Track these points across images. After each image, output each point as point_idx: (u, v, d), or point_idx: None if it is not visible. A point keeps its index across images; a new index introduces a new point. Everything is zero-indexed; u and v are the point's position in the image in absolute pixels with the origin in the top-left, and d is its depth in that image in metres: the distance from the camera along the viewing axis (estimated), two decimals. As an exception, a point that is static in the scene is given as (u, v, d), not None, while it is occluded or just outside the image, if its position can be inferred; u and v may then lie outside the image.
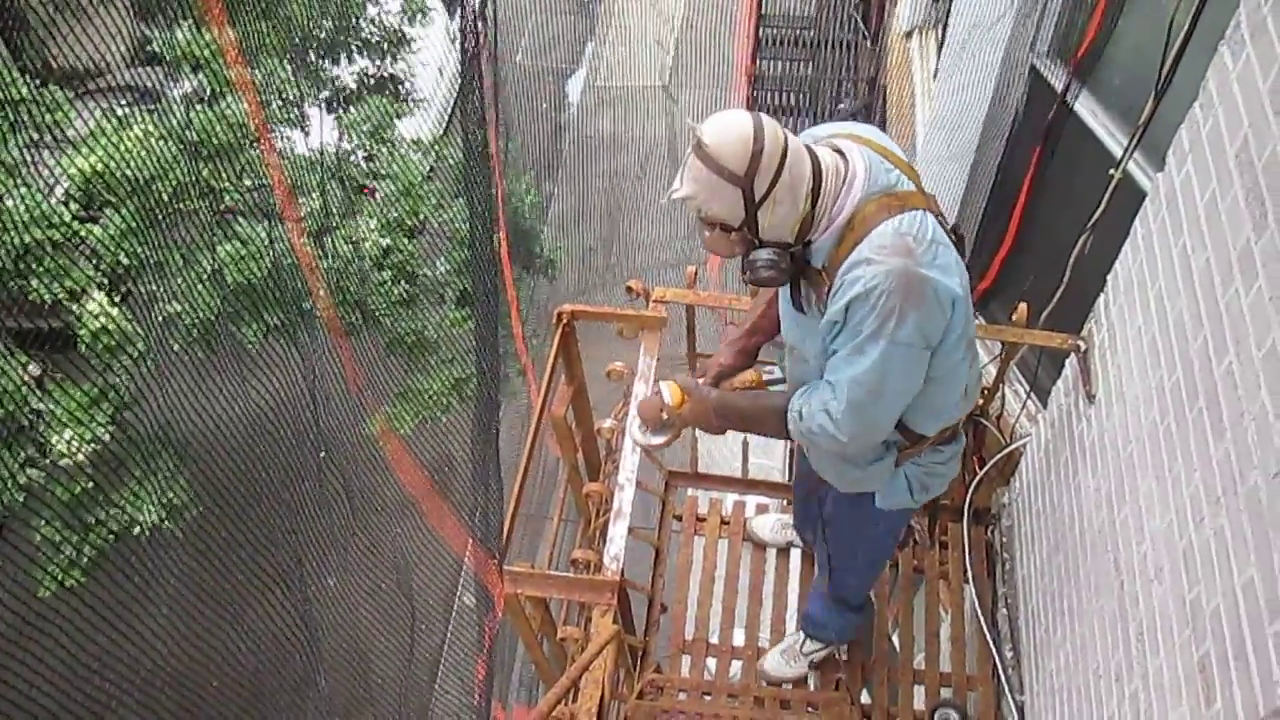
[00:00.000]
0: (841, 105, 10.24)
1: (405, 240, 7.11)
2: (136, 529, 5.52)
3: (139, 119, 5.53)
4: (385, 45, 7.94)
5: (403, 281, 7.11)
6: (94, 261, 5.44)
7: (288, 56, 6.61)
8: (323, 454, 5.68)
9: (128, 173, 5.20)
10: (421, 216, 7.20)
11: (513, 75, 10.69)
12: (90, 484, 5.32)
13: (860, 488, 2.70)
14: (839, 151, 2.25)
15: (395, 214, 7.03)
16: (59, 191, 5.48)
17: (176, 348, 5.68)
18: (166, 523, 5.62)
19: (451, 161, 7.63)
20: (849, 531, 3.07)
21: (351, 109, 7.25)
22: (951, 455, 2.66)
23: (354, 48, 7.67)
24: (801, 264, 2.28)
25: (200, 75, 6.16)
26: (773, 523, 4.07)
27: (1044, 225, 4.46)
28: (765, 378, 2.79)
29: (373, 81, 7.98)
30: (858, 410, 2.24)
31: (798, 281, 2.34)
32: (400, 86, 8.18)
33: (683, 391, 2.59)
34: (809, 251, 2.25)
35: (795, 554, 4.05)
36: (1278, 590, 1.77)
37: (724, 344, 2.78)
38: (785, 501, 4.24)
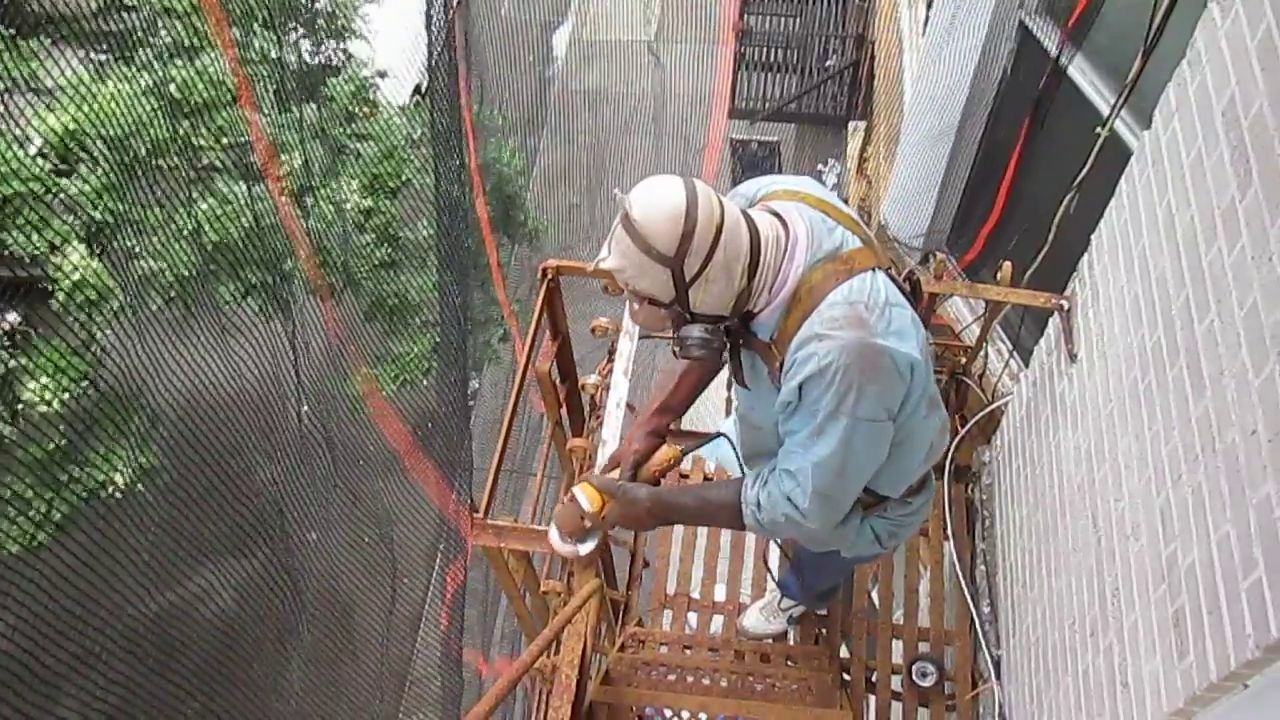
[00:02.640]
0: (829, 62, 10.18)
1: (387, 201, 7.05)
2: (109, 489, 5.48)
3: (115, 71, 5.44)
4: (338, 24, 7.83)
5: (384, 245, 7.06)
6: (68, 219, 5.38)
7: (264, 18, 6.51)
8: (305, 409, 5.67)
9: (103, 130, 5.12)
10: (404, 178, 7.13)
11: (498, 28, 10.55)
12: (64, 440, 5.27)
13: (825, 547, 2.59)
14: (777, 215, 2.07)
15: (377, 171, 6.96)
16: (35, 144, 5.40)
17: (155, 305, 5.63)
18: (139, 485, 5.57)
19: (426, 123, 7.54)
20: (818, 564, 3.08)
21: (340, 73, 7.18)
22: (921, 504, 2.52)
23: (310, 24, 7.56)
24: (743, 337, 2.14)
25: (178, 26, 6.06)
26: None
27: (1029, 184, 4.46)
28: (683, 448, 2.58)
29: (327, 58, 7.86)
30: (825, 495, 2.09)
31: (737, 354, 2.20)
32: (355, 63, 8.03)
33: (601, 494, 2.37)
34: (754, 324, 2.10)
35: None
36: (1252, 546, 1.79)
37: (635, 428, 2.55)
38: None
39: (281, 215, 5.98)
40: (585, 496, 2.38)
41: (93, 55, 5.52)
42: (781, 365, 2.04)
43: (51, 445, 5.27)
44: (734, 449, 2.57)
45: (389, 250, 7.16)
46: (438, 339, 7.49)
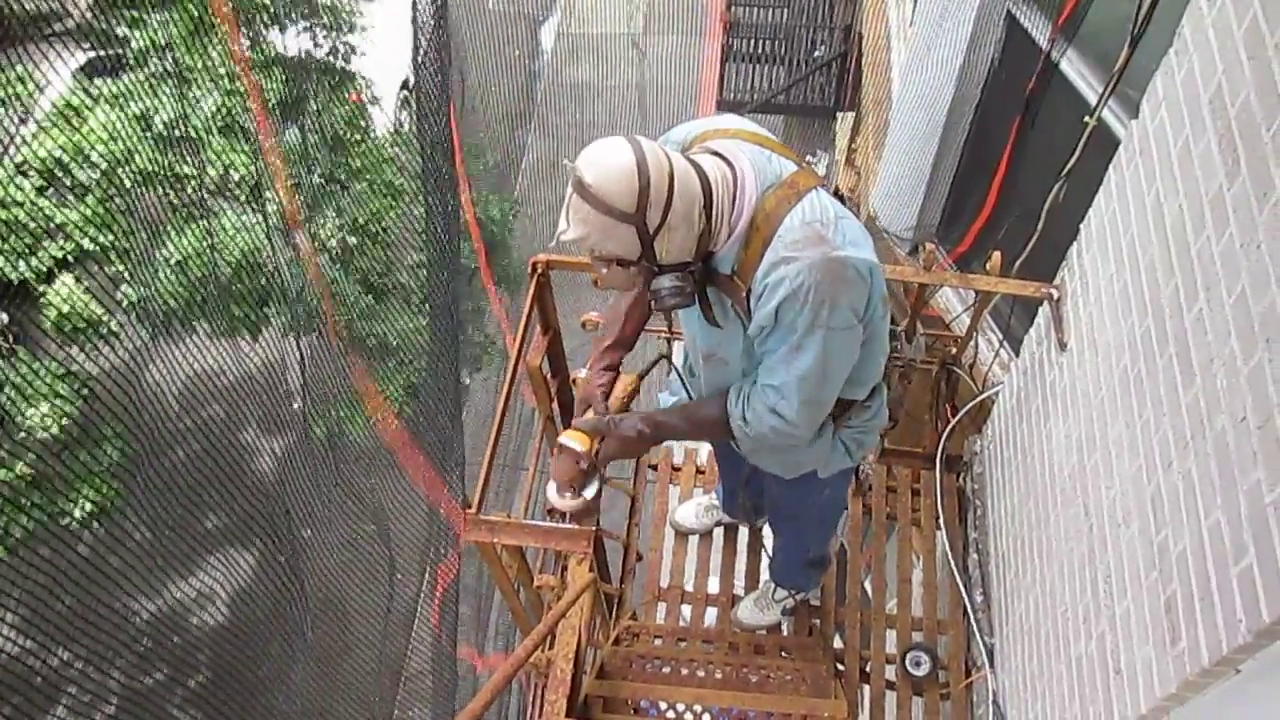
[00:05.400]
0: (817, 53, 10.17)
1: (370, 241, 7.05)
2: (65, 520, 5.43)
3: (103, 90, 5.39)
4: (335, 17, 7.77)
5: (367, 291, 7.06)
6: (58, 242, 5.36)
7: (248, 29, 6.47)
8: (296, 405, 5.65)
9: (92, 157, 5.10)
10: (391, 216, 7.11)
11: (484, 21, 10.52)
12: (30, 472, 5.24)
13: (803, 469, 2.71)
14: (717, 154, 2.16)
15: (360, 214, 6.94)
16: (9, 164, 5.35)
17: (146, 329, 5.58)
18: (95, 523, 5.51)
19: (413, 133, 7.49)
20: (800, 507, 3.10)
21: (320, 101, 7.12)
22: (879, 407, 2.64)
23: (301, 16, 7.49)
24: (707, 275, 2.21)
25: (166, 57, 6.02)
26: (694, 509, 4.07)
27: (1018, 174, 4.46)
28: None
29: (324, 53, 7.79)
30: (811, 403, 2.24)
31: (704, 294, 2.27)
32: (350, 57, 7.96)
33: (589, 435, 2.46)
34: (714, 261, 2.18)
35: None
36: (1243, 532, 1.80)
37: (591, 366, 2.63)
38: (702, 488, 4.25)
39: (300, 246, 5.95)
40: (574, 441, 2.46)
41: (85, 54, 5.48)
42: (748, 295, 2.14)
43: (18, 469, 5.24)
44: (677, 373, 2.72)
45: (370, 297, 7.16)
46: (414, 378, 7.49)
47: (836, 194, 2.33)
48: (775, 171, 2.14)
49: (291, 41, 7.15)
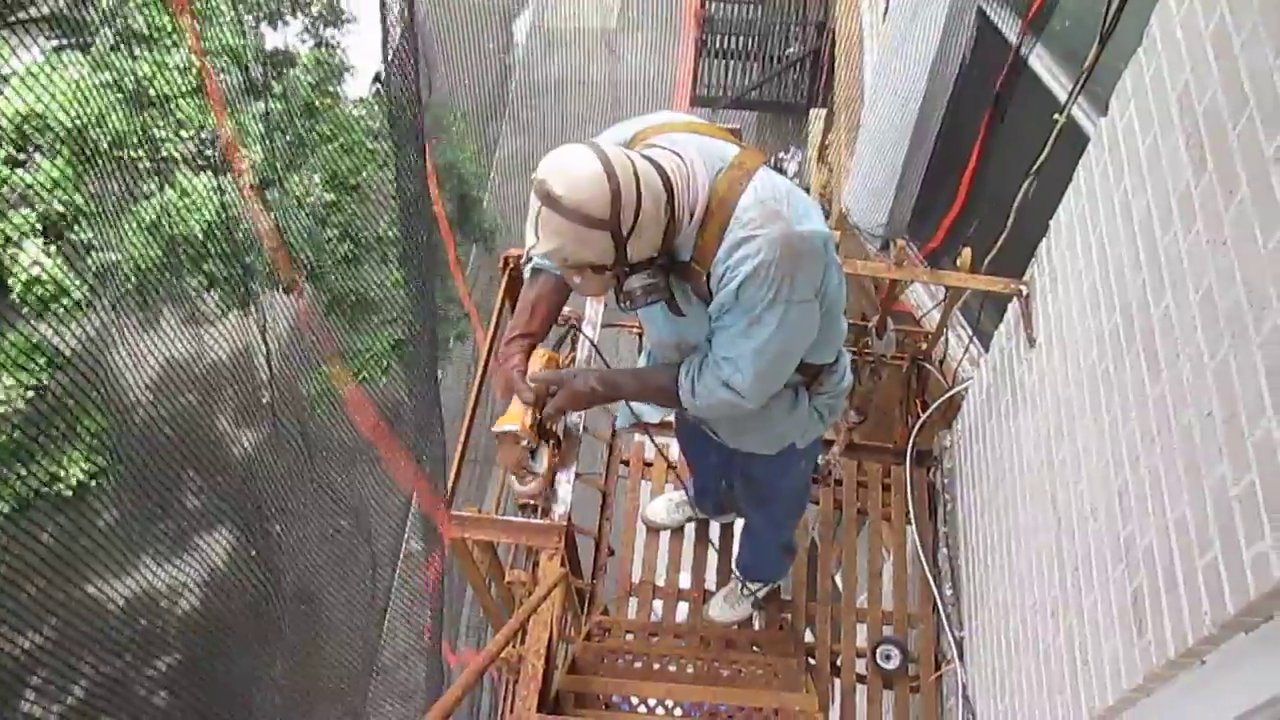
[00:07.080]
0: (790, 50, 10.20)
1: (348, 197, 7.00)
2: (59, 486, 5.37)
3: (75, 60, 5.32)
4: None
5: (346, 241, 7.01)
6: (24, 210, 5.27)
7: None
8: (266, 399, 5.60)
9: (62, 118, 5.00)
10: (364, 174, 7.07)
11: (457, 15, 10.45)
12: (16, 434, 5.16)
13: (786, 440, 2.74)
14: (663, 148, 2.16)
15: (336, 169, 6.89)
16: None
17: (112, 298, 5.51)
18: (94, 481, 5.45)
19: (384, 114, 7.45)
20: (779, 484, 3.12)
21: (296, 64, 7.08)
22: (844, 370, 2.69)
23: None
24: (670, 266, 2.21)
25: (138, 16, 5.95)
26: (665, 504, 4.07)
27: (988, 171, 4.49)
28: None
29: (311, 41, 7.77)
30: (765, 376, 2.25)
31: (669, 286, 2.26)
32: (336, 50, 7.95)
33: (525, 406, 2.48)
34: (674, 250, 2.18)
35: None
36: (1208, 526, 1.82)
37: (503, 358, 2.55)
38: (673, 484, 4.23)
39: (247, 208, 5.89)
40: (507, 424, 2.52)
41: (51, 41, 5.40)
42: (708, 279, 2.15)
43: (2, 438, 5.17)
44: (595, 350, 2.81)
45: (350, 246, 7.12)
46: (400, 335, 7.45)
47: (776, 166, 2.38)
48: (720, 155, 2.16)
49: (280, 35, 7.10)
